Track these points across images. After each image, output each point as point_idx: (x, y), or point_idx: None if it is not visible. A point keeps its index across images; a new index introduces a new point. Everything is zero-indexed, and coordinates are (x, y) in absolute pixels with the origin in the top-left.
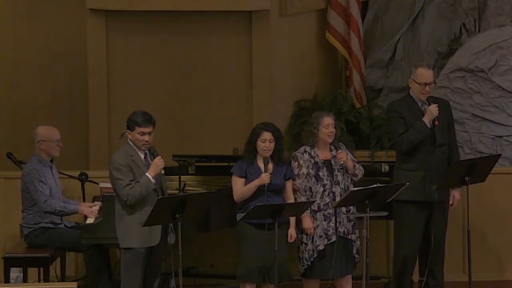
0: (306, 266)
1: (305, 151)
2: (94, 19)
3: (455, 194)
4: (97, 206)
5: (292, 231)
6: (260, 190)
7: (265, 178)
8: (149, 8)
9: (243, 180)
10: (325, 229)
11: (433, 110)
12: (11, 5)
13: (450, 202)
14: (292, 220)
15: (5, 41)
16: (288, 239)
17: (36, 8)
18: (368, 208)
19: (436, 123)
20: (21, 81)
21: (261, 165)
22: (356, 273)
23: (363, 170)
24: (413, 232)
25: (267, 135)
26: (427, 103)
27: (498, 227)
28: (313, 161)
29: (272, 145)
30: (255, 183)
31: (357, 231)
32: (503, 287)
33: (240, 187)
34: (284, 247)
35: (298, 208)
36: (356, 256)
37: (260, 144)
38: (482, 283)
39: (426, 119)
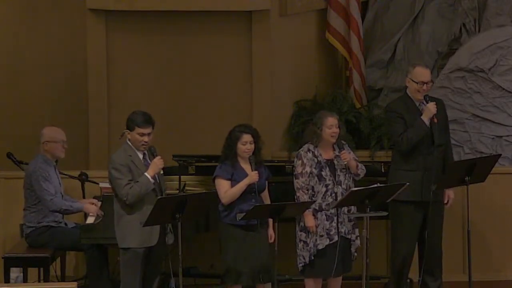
0: (303, 264)
1: (308, 150)
2: (94, 19)
3: (450, 194)
4: (99, 203)
5: (271, 232)
6: (246, 191)
7: (254, 176)
8: (149, 8)
9: (229, 182)
10: (327, 229)
11: (431, 108)
12: (11, 5)
13: (445, 201)
14: (270, 220)
15: (5, 41)
16: (269, 240)
17: (36, 8)
18: (368, 208)
19: (435, 120)
20: (21, 81)
21: (244, 167)
22: (356, 273)
23: (365, 169)
24: (411, 232)
25: (247, 138)
26: (424, 101)
27: (498, 227)
28: (316, 160)
29: (253, 146)
30: (245, 182)
31: (356, 230)
32: (503, 287)
33: (228, 189)
34: (267, 247)
35: (299, 208)
36: (354, 254)
37: (241, 147)
38: (482, 283)
39: (425, 117)
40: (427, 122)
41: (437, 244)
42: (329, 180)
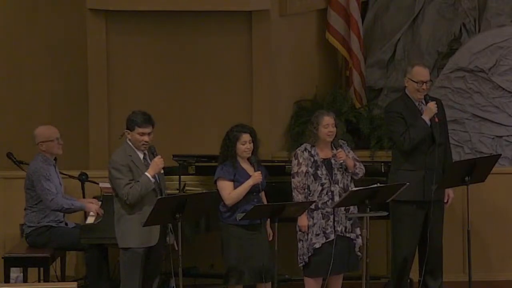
0: (303, 263)
1: (305, 149)
2: (94, 19)
3: (450, 193)
4: (99, 203)
5: (269, 230)
6: (248, 191)
7: (258, 176)
8: (149, 8)
9: (232, 183)
10: (323, 228)
11: (432, 107)
12: (11, 5)
13: (445, 201)
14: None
15: (5, 40)
16: (268, 238)
17: (36, 8)
18: (368, 208)
19: (436, 120)
20: (21, 81)
21: (245, 167)
22: (356, 273)
23: (364, 169)
24: (412, 232)
25: (246, 137)
26: (424, 102)
27: (498, 227)
28: (312, 160)
29: (252, 145)
30: (249, 183)
31: (357, 229)
32: (503, 287)
33: (231, 190)
34: (269, 247)
35: (298, 208)
36: (359, 253)
37: (241, 147)
38: (482, 283)
39: (426, 117)
40: (428, 121)
41: (438, 244)
42: (325, 179)
